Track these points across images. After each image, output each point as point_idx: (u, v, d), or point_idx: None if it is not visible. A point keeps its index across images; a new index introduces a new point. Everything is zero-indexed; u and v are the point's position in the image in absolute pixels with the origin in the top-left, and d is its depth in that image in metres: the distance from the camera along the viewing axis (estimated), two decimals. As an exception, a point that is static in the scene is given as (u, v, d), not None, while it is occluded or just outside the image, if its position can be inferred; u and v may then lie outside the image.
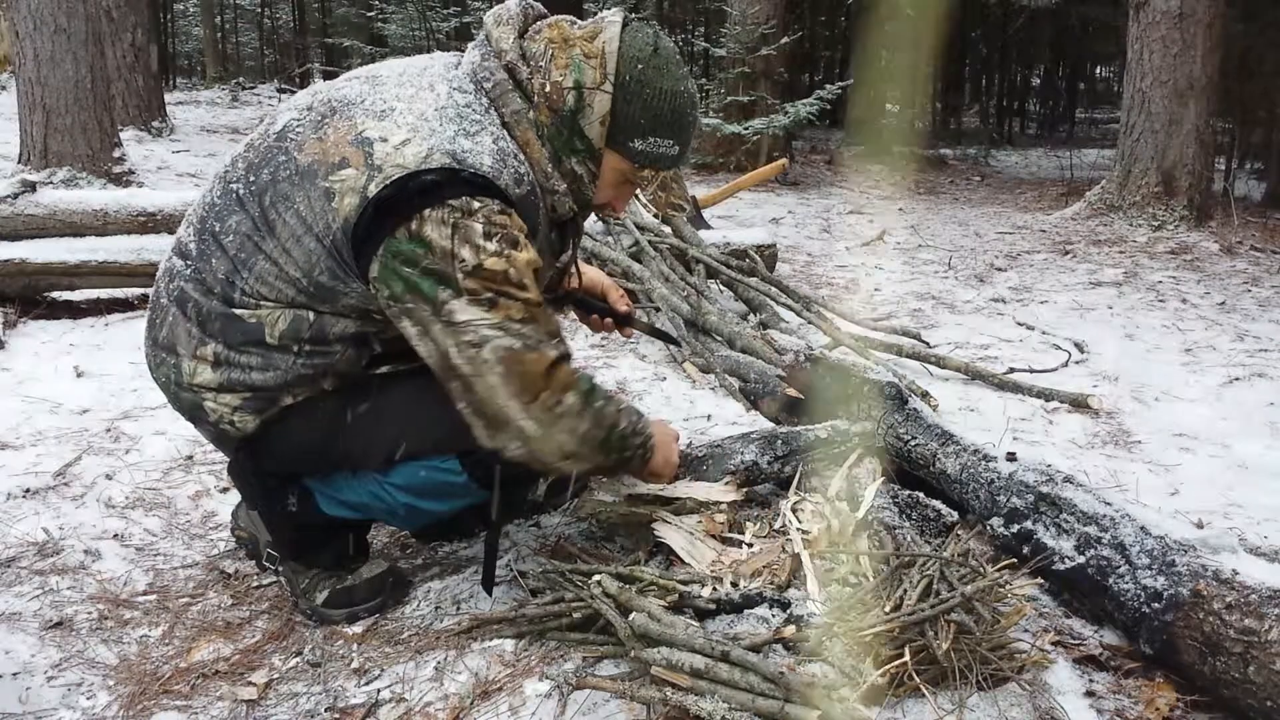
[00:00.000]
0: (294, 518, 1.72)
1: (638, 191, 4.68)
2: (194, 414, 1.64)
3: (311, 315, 1.53)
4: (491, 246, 1.43)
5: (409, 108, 1.50)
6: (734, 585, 1.69)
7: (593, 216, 2.11)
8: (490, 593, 1.74)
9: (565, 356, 1.52)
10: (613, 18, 1.57)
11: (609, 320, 2.04)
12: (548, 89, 1.53)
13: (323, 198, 1.46)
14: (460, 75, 1.57)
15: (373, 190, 1.43)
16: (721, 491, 1.95)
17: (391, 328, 1.52)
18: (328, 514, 1.71)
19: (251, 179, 1.54)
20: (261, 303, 1.53)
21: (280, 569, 1.80)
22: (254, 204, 1.53)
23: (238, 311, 1.54)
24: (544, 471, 1.69)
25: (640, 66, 1.53)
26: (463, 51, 1.64)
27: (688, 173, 9.55)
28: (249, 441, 1.63)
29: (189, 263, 1.59)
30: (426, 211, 1.41)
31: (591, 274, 2.03)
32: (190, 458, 2.47)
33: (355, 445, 1.63)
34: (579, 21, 1.61)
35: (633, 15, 1.61)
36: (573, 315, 2.10)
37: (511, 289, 1.45)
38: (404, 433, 1.59)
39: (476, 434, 1.52)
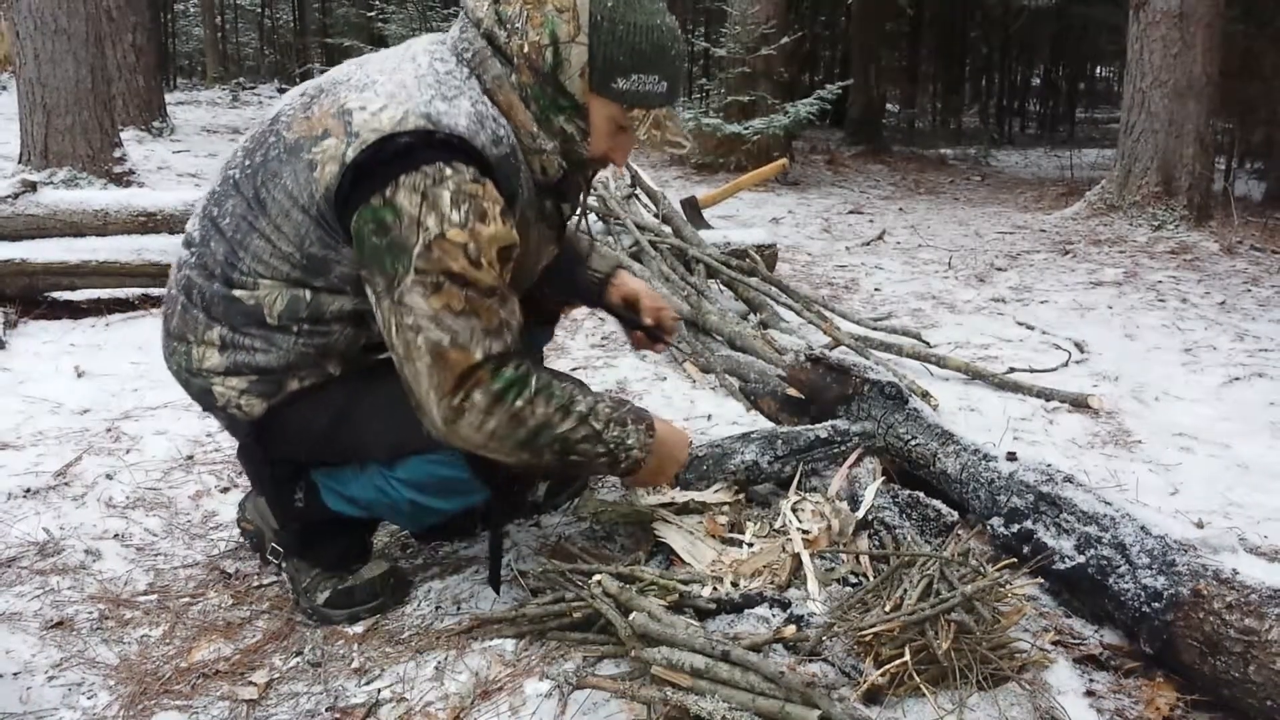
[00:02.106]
0: (301, 513, 1.73)
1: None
2: (205, 400, 1.65)
3: (308, 294, 1.55)
4: (456, 216, 1.43)
5: (389, 79, 1.52)
6: (734, 585, 1.69)
7: (592, 216, 2.09)
8: (498, 591, 1.75)
9: (496, 356, 1.49)
10: None
11: (638, 334, 2.00)
12: (526, 49, 1.52)
13: (306, 169, 1.49)
14: (442, 49, 1.58)
15: (350, 155, 1.45)
16: (722, 494, 1.96)
17: (333, 365, 1.59)
18: (333, 509, 1.71)
19: (247, 164, 1.58)
20: (259, 281, 1.55)
21: (283, 566, 1.80)
22: (248, 185, 1.56)
23: (237, 293, 1.56)
24: (537, 469, 1.70)
25: (611, 4, 1.50)
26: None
27: (688, 173, 9.57)
28: (257, 426, 1.64)
29: (193, 250, 1.63)
30: (401, 178, 1.43)
31: (629, 284, 1.99)
32: (191, 458, 2.47)
33: (362, 434, 1.63)
34: None
35: None
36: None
37: (462, 269, 1.44)
38: (409, 423, 1.59)
39: (411, 404, 1.53)
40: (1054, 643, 1.59)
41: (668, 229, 4.35)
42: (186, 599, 1.82)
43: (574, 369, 3.29)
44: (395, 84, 1.51)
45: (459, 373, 1.46)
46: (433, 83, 1.51)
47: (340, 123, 1.48)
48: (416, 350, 1.46)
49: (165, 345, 1.70)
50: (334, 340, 1.59)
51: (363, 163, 1.44)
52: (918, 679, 1.41)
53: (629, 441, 1.63)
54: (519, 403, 1.51)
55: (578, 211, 1.78)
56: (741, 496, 1.99)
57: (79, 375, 3.11)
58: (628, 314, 1.99)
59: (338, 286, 1.55)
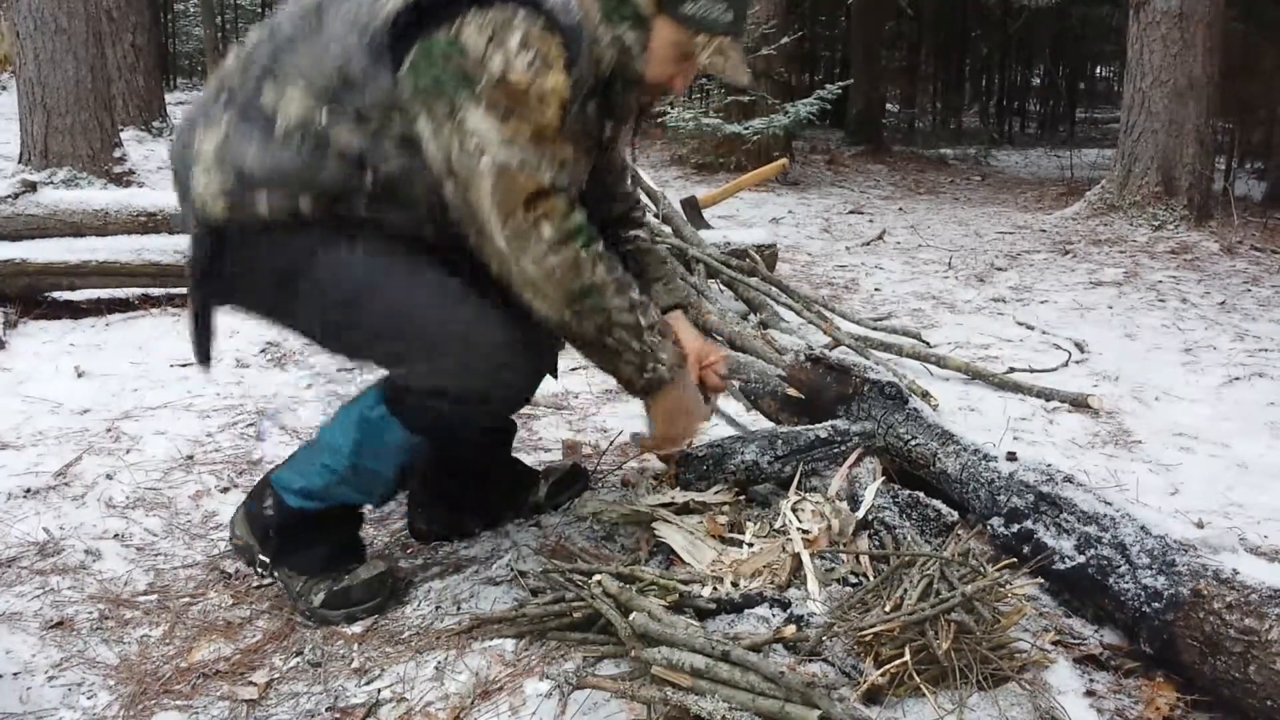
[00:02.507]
0: (273, 520, 1.72)
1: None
2: (183, 190, 1.61)
3: (325, 114, 1.51)
4: (523, 60, 1.43)
5: None
6: (734, 585, 1.69)
7: None
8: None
9: (561, 189, 1.49)
10: None
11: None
12: None
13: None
14: None
15: None
16: (722, 494, 1.96)
17: (389, 161, 1.52)
18: (294, 508, 1.70)
19: None
20: (288, 88, 1.52)
21: (275, 575, 1.80)
22: (312, 10, 1.56)
23: (264, 92, 1.54)
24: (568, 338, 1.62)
25: None
26: None
27: (688, 173, 9.57)
28: (212, 242, 1.58)
29: (238, 58, 1.61)
30: (470, 14, 1.43)
31: (687, 337, 1.87)
32: (191, 458, 2.47)
33: (308, 301, 1.59)
34: None
35: None
36: None
37: (530, 107, 1.45)
38: (359, 308, 1.56)
39: (471, 241, 1.51)
40: (1054, 643, 1.59)
41: (668, 229, 4.36)
42: (186, 599, 1.82)
43: (574, 369, 3.29)
44: None
45: (527, 194, 1.46)
46: None
47: None
48: (479, 175, 1.45)
49: (179, 128, 1.66)
50: (323, 171, 1.53)
51: None
52: (918, 679, 1.41)
53: (662, 355, 1.62)
54: (584, 252, 1.50)
55: (620, 138, 1.75)
56: (742, 497, 1.99)
57: (79, 375, 3.11)
58: None
59: (362, 114, 1.51)
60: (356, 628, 1.70)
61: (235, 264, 1.60)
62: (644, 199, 1.98)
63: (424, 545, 2.01)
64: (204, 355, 1.71)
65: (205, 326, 1.68)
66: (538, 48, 1.45)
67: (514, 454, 2.17)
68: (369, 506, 1.84)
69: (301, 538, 1.73)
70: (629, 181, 1.97)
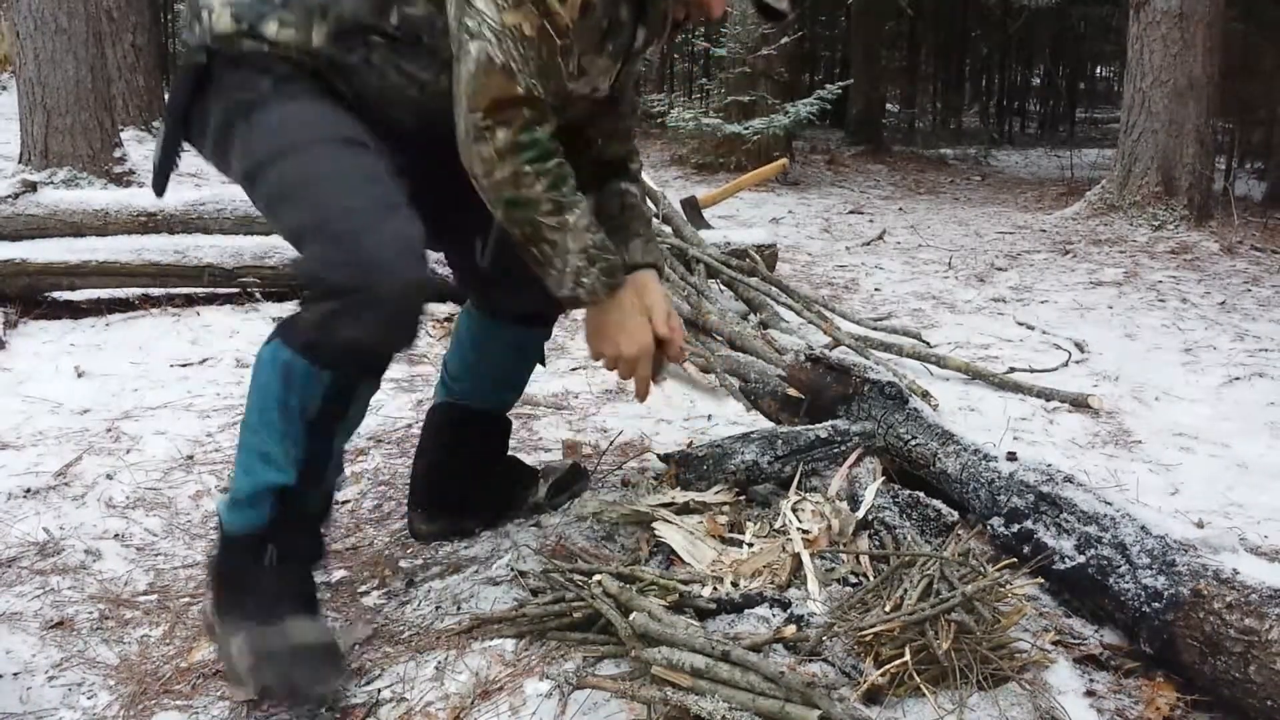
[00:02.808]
0: (214, 560, 1.55)
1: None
2: (193, 10, 1.54)
3: None
4: None
5: None
6: (734, 585, 1.69)
7: None
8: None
9: (537, 101, 1.47)
10: None
11: None
12: None
13: None
14: None
15: None
16: (722, 494, 1.96)
17: (416, 4, 1.49)
18: (227, 532, 1.51)
19: None
20: None
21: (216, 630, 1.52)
22: None
23: None
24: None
25: None
26: None
27: (688, 173, 9.57)
28: (194, 84, 1.53)
29: None
30: None
31: (655, 298, 1.78)
32: (191, 458, 2.47)
33: (242, 142, 1.51)
34: None
35: None
36: None
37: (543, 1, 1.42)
38: (278, 163, 1.48)
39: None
40: (1054, 643, 1.59)
41: (668, 229, 4.36)
42: (186, 599, 1.82)
43: (574, 369, 3.29)
44: None
45: (495, 96, 1.44)
46: None
47: None
48: (467, 54, 1.44)
49: None
50: (337, 3, 1.50)
51: None
52: (918, 679, 1.41)
53: (585, 279, 1.59)
54: (528, 167, 1.49)
55: (649, 51, 1.71)
56: (742, 497, 1.99)
57: (79, 375, 3.11)
58: None
59: None
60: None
61: (207, 99, 1.54)
62: (635, 156, 1.93)
63: (424, 545, 2.01)
64: (160, 185, 1.64)
65: (168, 158, 1.61)
66: None
67: (514, 454, 2.17)
68: (291, 481, 1.48)
69: (241, 573, 1.50)
70: (632, 124, 1.93)
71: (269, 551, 1.49)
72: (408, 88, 1.57)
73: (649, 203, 2.62)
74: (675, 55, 15.81)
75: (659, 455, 2.25)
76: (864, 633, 1.46)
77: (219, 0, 1.51)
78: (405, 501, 2.06)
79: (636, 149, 1.95)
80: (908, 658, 1.41)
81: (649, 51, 1.76)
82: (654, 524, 1.87)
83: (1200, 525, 2.18)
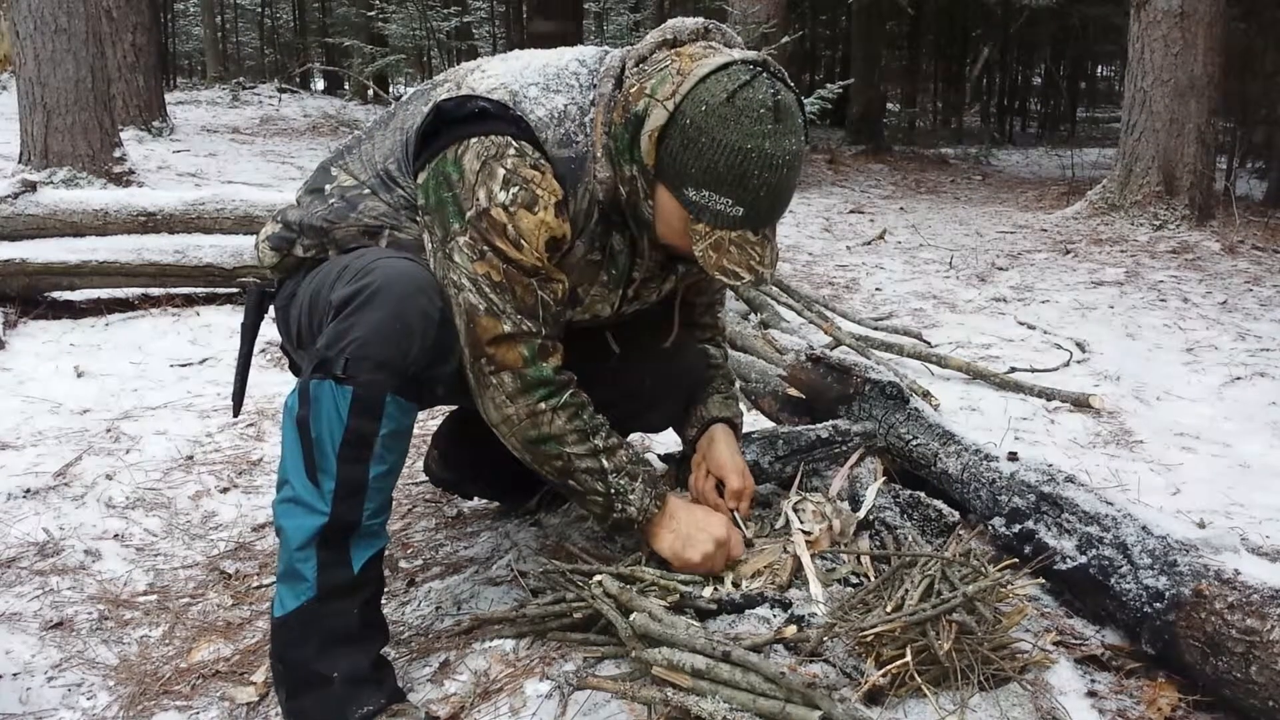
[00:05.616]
0: (272, 653, 1.42)
1: None
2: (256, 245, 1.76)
3: (365, 190, 1.62)
4: (503, 197, 1.44)
5: (523, 61, 1.59)
6: (735, 585, 1.69)
7: None
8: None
9: (525, 335, 1.50)
10: (730, 54, 1.47)
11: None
12: (632, 90, 1.48)
13: (423, 104, 1.57)
14: (596, 53, 1.61)
15: (439, 95, 1.54)
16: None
17: (404, 229, 1.59)
18: (277, 616, 1.39)
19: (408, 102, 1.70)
20: (346, 173, 1.65)
21: None
22: (389, 111, 1.69)
23: (331, 174, 1.67)
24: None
25: (703, 110, 1.40)
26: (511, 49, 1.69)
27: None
28: (259, 302, 1.73)
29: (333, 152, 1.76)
30: (472, 140, 1.46)
31: (719, 457, 1.81)
32: (191, 458, 2.47)
33: (294, 310, 1.65)
34: (729, 48, 1.55)
35: (757, 62, 1.47)
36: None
37: (504, 247, 1.46)
38: (322, 292, 1.56)
39: None
40: (1055, 643, 1.59)
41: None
42: (186, 599, 1.82)
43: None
44: (521, 65, 1.57)
45: (485, 339, 1.49)
46: (550, 75, 1.54)
47: (460, 75, 1.58)
48: (458, 306, 1.50)
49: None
50: (343, 223, 1.61)
51: (444, 109, 1.50)
52: (919, 679, 1.41)
53: (630, 496, 1.61)
54: (543, 405, 1.53)
55: (649, 292, 1.70)
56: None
57: (79, 375, 3.11)
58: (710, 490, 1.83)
59: (394, 203, 1.59)
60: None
61: (281, 312, 1.71)
62: (724, 327, 1.99)
63: (423, 545, 2.00)
64: (237, 405, 1.79)
65: (243, 378, 1.75)
66: (523, 185, 1.44)
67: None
68: (325, 518, 1.38)
69: (305, 667, 1.38)
70: (713, 315, 1.96)
71: (332, 627, 1.38)
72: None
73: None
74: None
75: (659, 455, 2.25)
76: (865, 633, 1.46)
77: (261, 239, 1.70)
78: (405, 501, 2.06)
79: (725, 324, 2.01)
80: (909, 658, 1.40)
81: (670, 280, 1.72)
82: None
83: (1202, 525, 2.18)
